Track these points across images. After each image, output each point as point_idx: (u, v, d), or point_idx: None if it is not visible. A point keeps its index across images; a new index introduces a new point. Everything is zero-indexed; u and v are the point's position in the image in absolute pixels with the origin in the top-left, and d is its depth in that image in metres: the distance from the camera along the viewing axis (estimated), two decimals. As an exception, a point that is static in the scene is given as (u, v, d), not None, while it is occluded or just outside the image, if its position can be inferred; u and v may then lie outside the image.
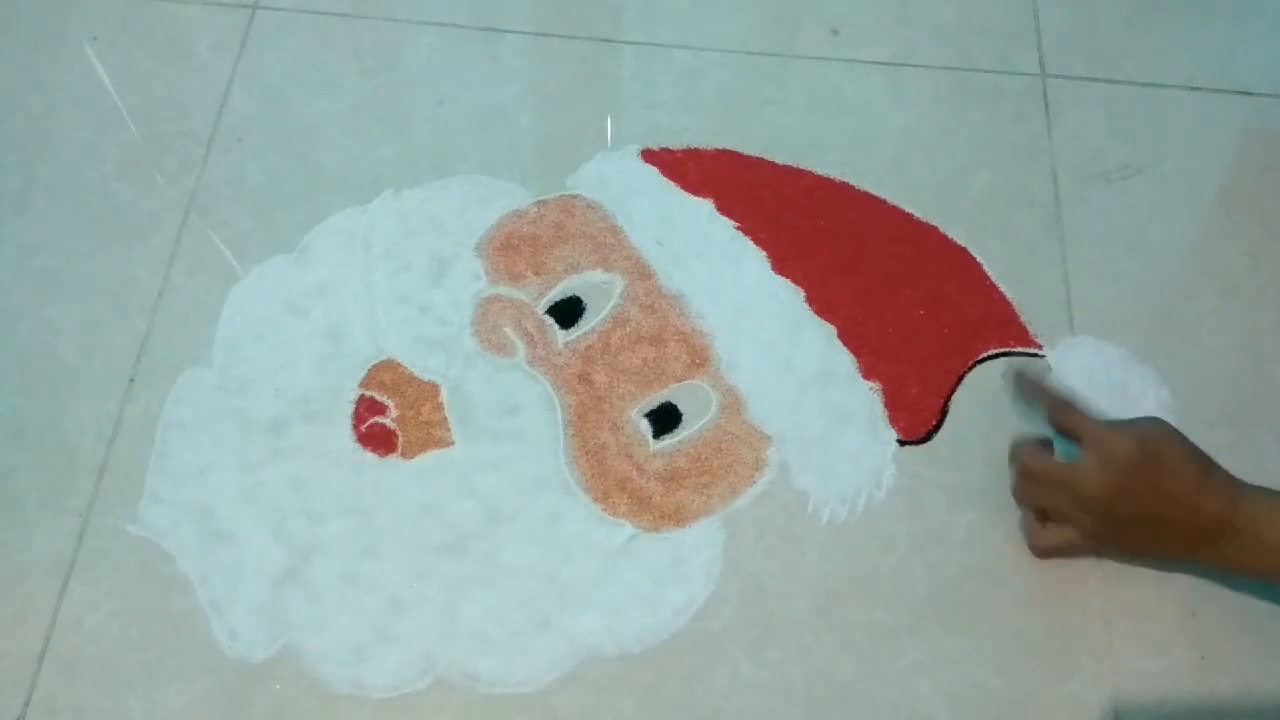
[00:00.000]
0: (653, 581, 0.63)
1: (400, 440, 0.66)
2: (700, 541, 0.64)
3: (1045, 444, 0.63)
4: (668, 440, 0.67)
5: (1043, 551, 0.63)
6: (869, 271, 0.72)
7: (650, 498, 0.65)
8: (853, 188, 0.75)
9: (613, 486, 0.65)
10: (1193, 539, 0.58)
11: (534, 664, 0.61)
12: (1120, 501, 0.57)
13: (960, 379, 0.69)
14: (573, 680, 0.60)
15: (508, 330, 0.70)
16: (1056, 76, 0.81)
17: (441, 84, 0.79)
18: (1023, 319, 0.71)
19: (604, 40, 0.81)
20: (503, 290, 0.71)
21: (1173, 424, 0.60)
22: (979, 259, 0.73)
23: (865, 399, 0.68)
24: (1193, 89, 0.81)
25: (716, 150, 0.77)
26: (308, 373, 0.68)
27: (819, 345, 0.70)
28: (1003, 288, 0.72)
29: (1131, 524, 0.58)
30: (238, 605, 0.61)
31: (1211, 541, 0.57)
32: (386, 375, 0.68)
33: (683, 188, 0.75)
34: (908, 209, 0.74)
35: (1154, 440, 0.58)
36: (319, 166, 0.75)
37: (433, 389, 0.68)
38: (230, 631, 0.61)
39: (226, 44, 0.80)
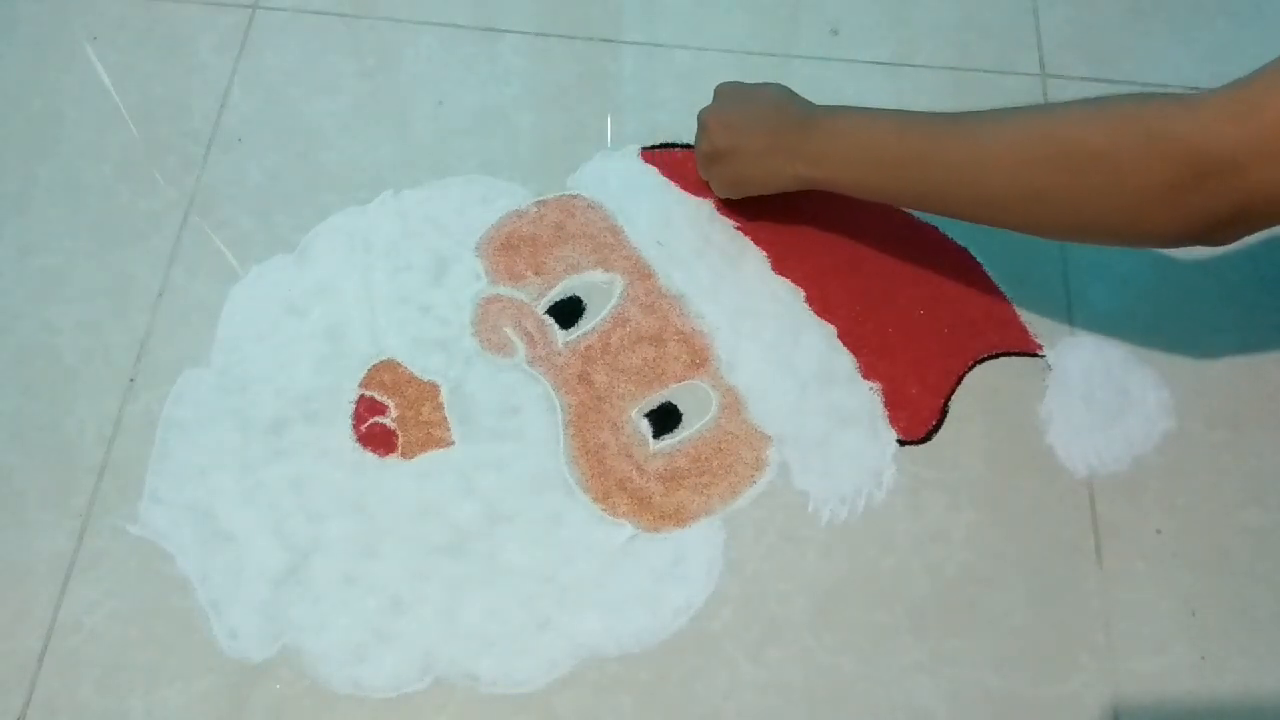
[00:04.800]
0: (653, 581, 0.63)
1: (400, 440, 0.66)
2: (700, 541, 0.64)
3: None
4: (668, 440, 0.67)
5: (715, 189, 0.73)
6: (869, 271, 0.72)
7: (650, 498, 0.65)
8: (853, 188, 0.75)
9: (613, 486, 0.65)
10: (779, 133, 0.66)
11: (534, 664, 0.61)
12: (724, 112, 0.69)
13: (960, 379, 0.69)
14: (573, 680, 0.60)
15: (508, 330, 0.70)
16: (1056, 76, 0.81)
17: (441, 84, 0.79)
18: (1023, 319, 0.71)
19: (604, 40, 0.81)
20: (503, 290, 0.71)
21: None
22: (979, 259, 0.73)
23: (865, 399, 0.68)
24: (1193, 89, 0.81)
25: (716, 150, 0.77)
26: (308, 373, 0.68)
27: (819, 345, 0.70)
28: (1003, 288, 0.72)
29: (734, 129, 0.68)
30: (238, 605, 0.61)
31: (795, 136, 0.65)
32: (386, 375, 0.68)
33: (683, 188, 0.75)
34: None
35: (739, 84, 0.71)
36: (319, 166, 0.75)
37: (433, 389, 0.68)
38: (230, 631, 0.61)
39: (226, 44, 0.80)
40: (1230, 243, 0.54)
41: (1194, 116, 0.51)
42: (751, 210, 0.73)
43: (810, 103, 0.68)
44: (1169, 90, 0.82)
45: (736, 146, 0.68)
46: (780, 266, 0.72)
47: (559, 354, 0.69)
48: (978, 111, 0.60)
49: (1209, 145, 0.50)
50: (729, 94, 0.71)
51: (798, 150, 0.65)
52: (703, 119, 0.71)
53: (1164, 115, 0.52)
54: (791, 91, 0.69)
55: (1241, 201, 0.50)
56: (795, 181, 0.67)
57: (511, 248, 0.72)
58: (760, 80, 0.71)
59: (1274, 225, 0.53)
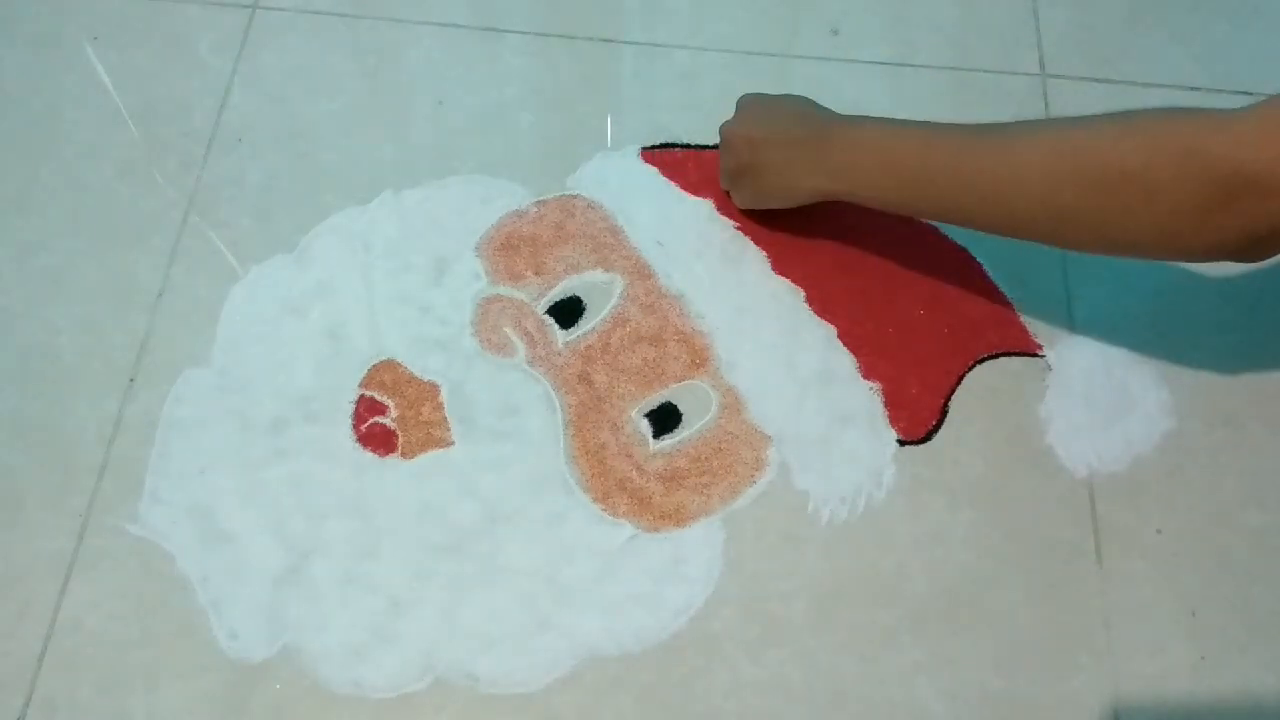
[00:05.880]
0: (653, 581, 0.63)
1: (400, 440, 0.66)
2: (700, 541, 0.64)
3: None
4: (668, 440, 0.67)
5: (737, 201, 0.73)
6: (869, 271, 0.72)
7: (650, 498, 0.65)
8: (853, 188, 0.75)
9: (613, 486, 0.65)
10: (801, 146, 0.66)
11: (534, 664, 0.61)
12: (746, 125, 0.69)
13: (960, 379, 0.69)
14: (573, 680, 0.60)
15: (508, 330, 0.70)
16: (1056, 76, 0.81)
17: (441, 84, 0.79)
18: (1023, 319, 0.71)
19: (604, 40, 0.81)
20: (503, 290, 0.71)
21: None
22: (979, 259, 0.73)
23: (865, 399, 0.68)
24: (1192, 89, 0.81)
25: (717, 150, 0.77)
26: (308, 373, 0.68)
27: (819, 345, 0.70)
28: (1003, 288, 0.72)
29: (756, 145, 0.68)
30: (238, 605, 0.61)
31: (816, 148, 0.65)
32: (386, 375, 0.68)
33: (683, 188, 0.75)
34: (908, 209, 0.74)
35: (762, 95, 0.71)
36: (319, 166, 0.75)
37: (433, 389, 0.68)
38: (230, 631, 0.61)
39: (226, 44, 0.80)
40: (1265, 259, 0.53)
41: (1228, 134, 0.49)
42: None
43: (833, 113, 0.68)
44: (1167, 87, 0.83)
45: (758, 161, 0.68)
46: (780, 266, 0.72)
47: (559, 354, 0.69)
48: (1004, 124, 0.59)
49: (1244, 164, 0.48)
50: (751, 106, 0.71)
51: (818, 163, 0.65)
52: (724, 134, 0.71)
53: (1197, 133, 0.50)
54: (813, 102, 0.69)
55: (1278, 220, 0.49)
56: (816, 194, 0.66)
57: (511, 248, 0.72)
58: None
59: None
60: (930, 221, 0.73)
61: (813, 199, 0.67)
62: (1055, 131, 0.56)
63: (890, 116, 0.65)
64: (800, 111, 0.68)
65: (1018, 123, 0.59)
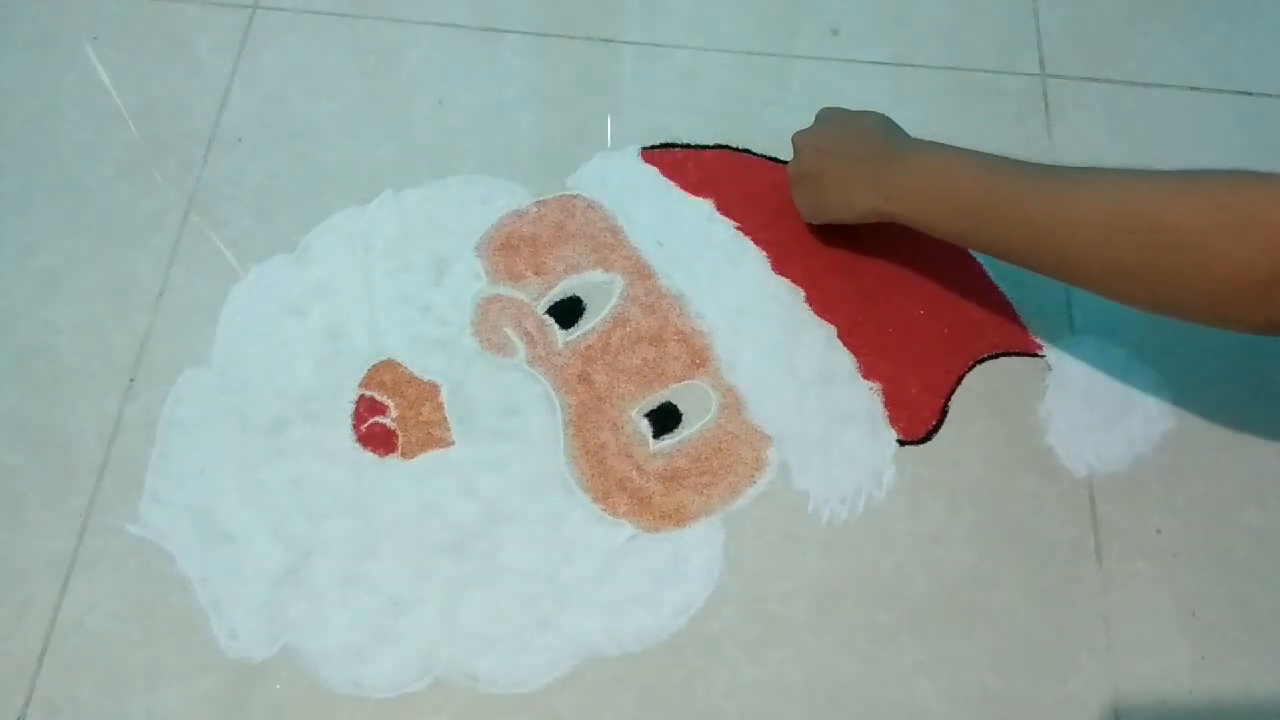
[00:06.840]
0: (653, 581, 0.63)
1: (400, 440, 0.66)
2: (700, 541, 0.64)
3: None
4: (668, 440, 0.67)
5: (799, 210, 0.72)
6: (869, 271, 0.72)
7: (650, 498, 0.65)
8: (853, 188, 0.75)
9: (613, 486, 0.65)
10: (864, 162, 0.66)
11: (534, 664, 0.61)
12: (816, 135, 0.70)
13: (960, 379, 0.69)
14: (573, 680, 0.60)
15: (508, 330, 0.70)
16: (1056, 76, 0.81)
17: (441, 84, 0.79)
18: (1023, 319, 0.71)
19: (604, 40, 0.81)
20: (503, 290, 0.71)
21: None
22: (979, 259, 0.73)
23: (865, 399, 0.68)
24: (1192, 89, 0.81)
25: (716, 150, 0.77)
26: (308, 373, 0.68)
27: (819, 345, 0.70)
28: (1003, 288, 0.72)
29: (822, 153, 0.69)
30: (238, 605, 0.61)
31: (878, 168, 0.64)
32: (386, 375, 0.68)
33: (683, 188, 0.75)
34: (908, 209, 0.74)
35: (841, 110, 0.72)
36: (319, 166, 0.75)
37: (433, 389, 0.68)
38: (230, 631, 0.61)
39: (226, 44, 0.80)
40: None
41: None
42: (751, 210, 0.73)
43: (904, 136, 0.67)
44: (1167, 87, 0.83)
45: (820, 170, 0.68)
46: (780, 266, 0.72)
47: (559, 354, 0.69)
48: (1065, 169, 0.57)
49: None
50: (827, 118, 0.71)
51: (878, 182, 0.64)
52: (795, 141, 0.71)
53: (1260, 201, 0.48)
54: (890, 122, 0.68)
55: None
56: (872, 213, 0.65)
57: (511, 248, 0.73)
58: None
59: None
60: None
61: (868, 218, 0.66)
62: (1117, 180, 0.54)
63: (943, 142, 0.64)
64: (871, 130, 0.68)
65: (1082, 168, 0.57)
